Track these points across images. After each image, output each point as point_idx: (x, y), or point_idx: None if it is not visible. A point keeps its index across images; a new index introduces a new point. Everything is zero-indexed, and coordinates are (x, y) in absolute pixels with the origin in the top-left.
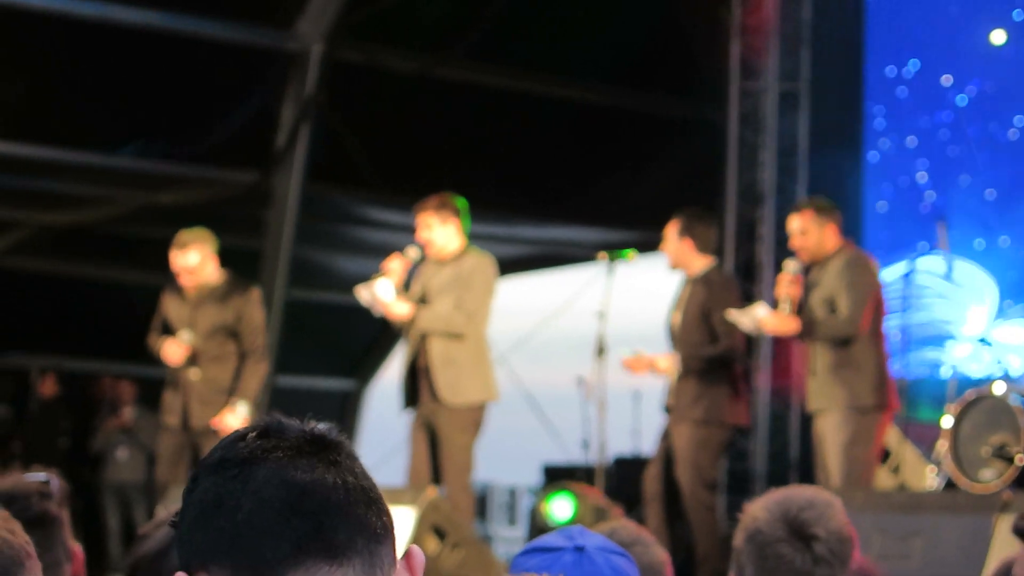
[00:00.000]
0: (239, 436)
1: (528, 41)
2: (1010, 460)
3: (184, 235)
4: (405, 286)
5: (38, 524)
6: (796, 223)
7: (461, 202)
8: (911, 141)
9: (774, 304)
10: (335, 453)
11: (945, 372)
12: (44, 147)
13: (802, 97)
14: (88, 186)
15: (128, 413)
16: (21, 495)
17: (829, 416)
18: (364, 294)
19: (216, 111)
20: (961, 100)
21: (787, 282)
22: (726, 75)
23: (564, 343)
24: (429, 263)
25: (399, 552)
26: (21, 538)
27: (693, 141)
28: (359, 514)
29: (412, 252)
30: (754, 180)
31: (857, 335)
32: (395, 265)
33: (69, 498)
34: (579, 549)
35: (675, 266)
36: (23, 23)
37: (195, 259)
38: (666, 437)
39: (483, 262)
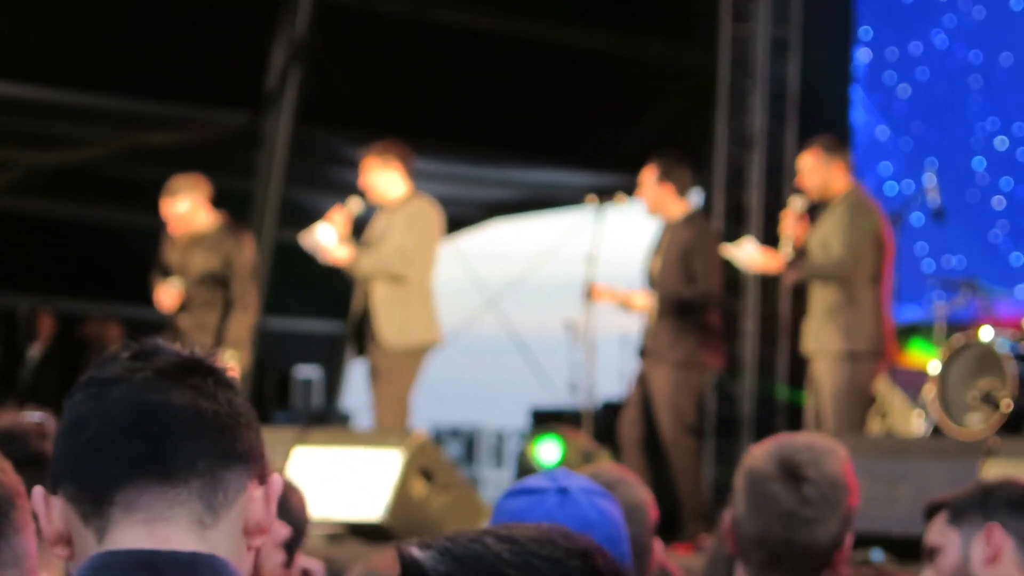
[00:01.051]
0: (113, 355)
1: None
2: (996, 406)
3: (175, 182)
4: (357, 234)
5: (35, 464)
6: (804, 160)
7: (407, 149)
8: (903, 90)
9: (766, 243)
10: (200, 378)
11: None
12: (32, 86)
13: (792, 41)
14: (78, 126)
15: None
16: (18, 434)
17: (824, 360)
18: (307, 240)
19: (206, 52)
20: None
21: (791, 220)
22: (716, 18)
23: (553, 287)
24: (381, 209)
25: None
26: (12, 477)
27: (683, 85)
28: (205, 438)
29: (354, 202)
30: (743, 125)
31: (844, 278)
32: (338, 215)
33: None
34: (562, 491)
35: (653, 211)
36: None
37: (185, 207)
38: (642, 381)
39: (425, 206)
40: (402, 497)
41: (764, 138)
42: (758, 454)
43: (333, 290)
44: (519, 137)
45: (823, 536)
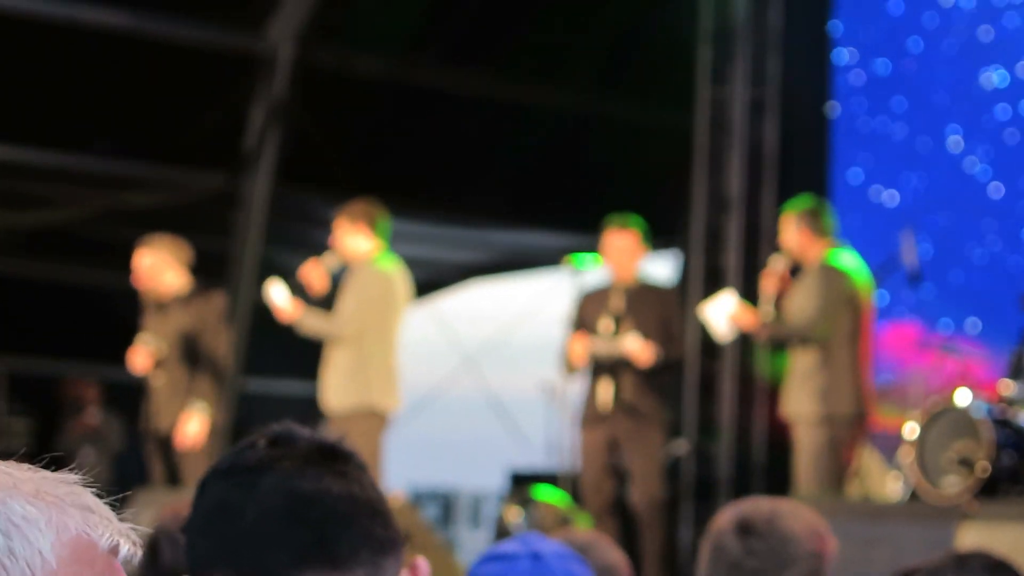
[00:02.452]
0: (250, 443)
1: (499, 47)
2: (973, 469)
3: (148, 238)
4: (331, 292)
5: None
6: (783, 222)
7: (379, 210)
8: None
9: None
10: (343, 464)
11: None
12: (10, 147)
13: (769, 103)
14: (54, 186)
15: (93, 414)
16: None
17: (802, 424)
18: (266, 297)
19: (185, 112)
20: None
21: (770, 279)
22: (694, 79)
23: (530, 348)
24: (348, 269)
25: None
26: None
27: (661, 146)
28: (363, 525)
29: (328, 258)
30: (721, 186)
31: (813, 337)
32: (313, 269)
33: None
34: (535, 556)
35: (621, 272)
36: None
37: (148, 262)
38: (614, 444)
39: (378, 269)
40: None
41: (742, 199)
42: (723, 514)
43: (312, 351)
44: (496, 198)
45: None
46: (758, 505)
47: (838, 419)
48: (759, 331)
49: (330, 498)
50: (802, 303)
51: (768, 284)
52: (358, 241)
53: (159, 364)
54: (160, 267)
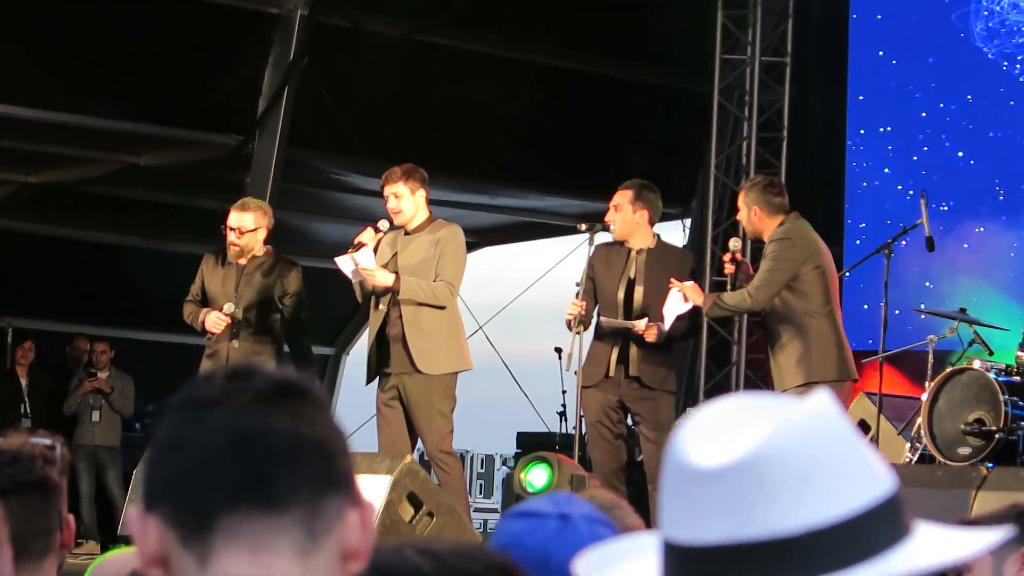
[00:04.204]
0: (208, 377)
1: (513, 8)
2: (988, 436)
3: (247, 199)
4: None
5: (38, 488)
6: (739, 202)
7: (422, 172)
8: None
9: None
10: (298, 401)
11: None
12: (24, 107)
13: (786, 71)
14: (69, 146)
15: (104, 375)
16: (26, 457)
17: (785, 395)
18: (345, 263)
19: (198, 73)
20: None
21: (727, 260)
22: (711, 46)
23: (543, 313)
24: (397, 234)
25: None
26: None
27: (676, 112)
28: (305, 464)
29: (384, 224)
30: (737, 153)
31: (756, 308)
32: (367, 236)
33: (67, 468)
34: (564, 516)
35: (624, 236)
36: None
37: (246, 221)
38: (622, 408)
39: (457, 234)
40: (389, 522)
41: (756, 166)
42: None
43: (322, 314)
44: (510, 162)
45: None
46: None
47: (822, 386)
48: (704, 304)
49: (273, 435)
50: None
51: (727, 266)
52: (419, 205)
53: (234, 331)
54: (259, 231)
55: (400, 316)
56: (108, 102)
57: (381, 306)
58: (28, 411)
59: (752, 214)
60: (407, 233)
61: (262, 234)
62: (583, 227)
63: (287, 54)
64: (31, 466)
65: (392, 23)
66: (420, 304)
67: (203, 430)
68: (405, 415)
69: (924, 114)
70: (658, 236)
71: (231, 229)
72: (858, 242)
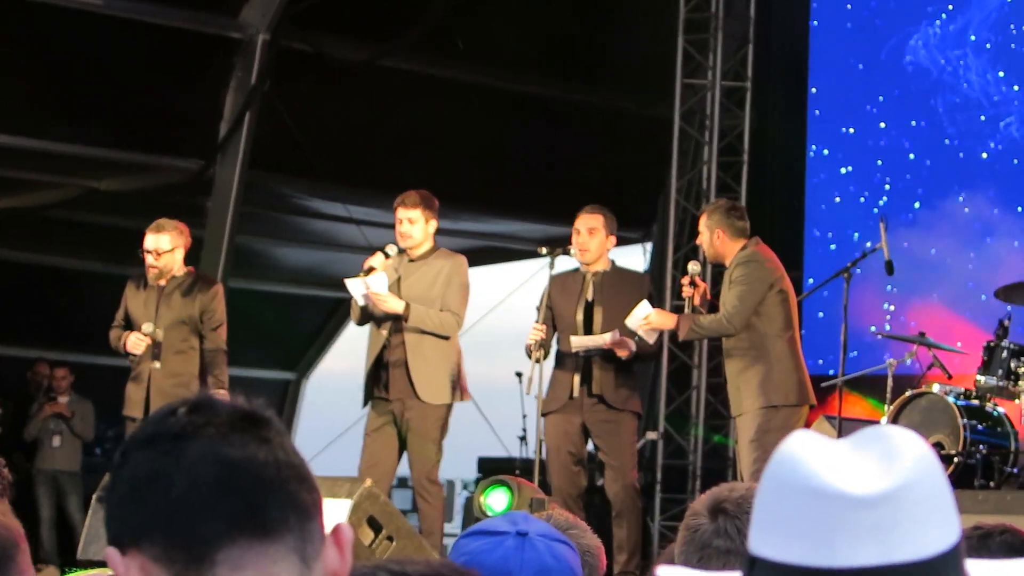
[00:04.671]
0: (170, 411)
1: (473, 32)
2: (947, 460)
3: (162, 220)
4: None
5: None
6: (699, 225)
7: (436, 202)
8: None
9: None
10: (266, 430)
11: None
12: None
13: (747, 95)
14: (29, 171)
15: (64, 400)
16: None
17: (742, 418)
18: (356, 286)
19: (160, 97)
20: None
21: (686, 283)
22: (671, 70)
23: (503, 337)
24: (400, 259)
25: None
26: (14, 521)
27: (637, 136)
28: (291, 491)
29: (392, 250)
30: (697, 178)
31: (733, 333)
32: (377, 261)
33: (8, 488)
34: (522, 534)
35: (594, 260)
36: None
37: (166, 243)
38: (585, 434)
39: (463, 265)
40: None
41: (716, 191)
42: (700, 497)
43: (282, 339)
44: (470, 186)
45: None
46: (733, 487)
47: (778, 411)
48: (680, 329)
49: (257, 464)
50: (725, 300)
51: (685, 290)
52: (428, 232)
53: (155, 352)
54: (175, 251)
55: (403, 342)
56: (69, 126)
57: (383, 331)
58: None
59: (715, 237)
60: (412, 260)
61: (179, 254)
62: (544, 251)
63: (249, 78)
64: None
65: (354, 48)
66: (424, 332)
67: (185, 464)
68: (398, 440)
69: (882, 127)
70: (612, 260)
71: (147, 252)
72: (816, 267)
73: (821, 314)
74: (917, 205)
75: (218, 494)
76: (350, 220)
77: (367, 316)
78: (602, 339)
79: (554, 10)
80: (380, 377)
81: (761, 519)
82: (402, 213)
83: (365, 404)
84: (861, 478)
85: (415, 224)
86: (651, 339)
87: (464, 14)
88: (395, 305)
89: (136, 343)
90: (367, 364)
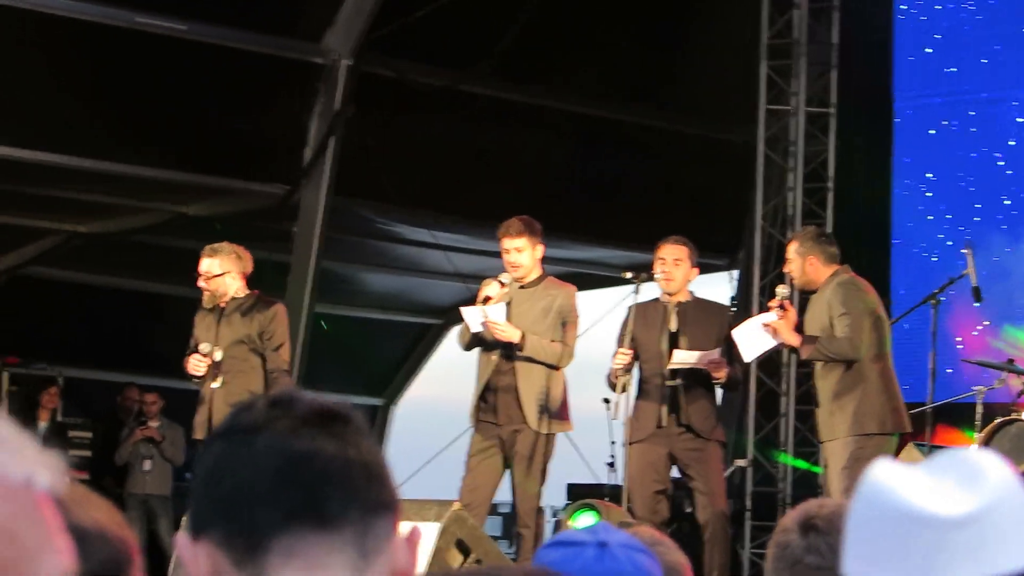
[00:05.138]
0: (249, 405)
1: (556, 57)
2: None
3: (220, 244)
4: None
5: None
6: (788, 249)
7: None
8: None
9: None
10: (340, 426)
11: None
12: (74, 156)
13: (831, 121)
14: (118, 196)
15: (155, 425)
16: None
17: (833, 444)
18: (474, 314)
19: (246, 123)
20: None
21: (775, 306)
22: (755, 96)
23: (590, 364)
24: (509, 286)
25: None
26: (129, 533)
27: (722, 162)
28: (356, 486)
29: (506, 277)
30: (782, 204)
31: (858, 357)
32: (494, 291)
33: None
34: (602, 544)
35: (676, 290)
36: (55, 30)
37: (214, 267)
38: (672, 462)
39: (573, 295)
40: (438, 569)
41: (802, 217)
42: (790, 514)
43: (369, 364)
44: (556, 213)
45: None
46: (823, 504)
47: (871, 439)
48: (802, 349)
49: (322, 458)
50: (824, 324)
51: (776, 312)
52: (537, 259)
53: (216, 372)
54: (225, 274)
55: (513, 369)
56: (156, 152)
57: (492, 356)
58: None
59: (807, 264)
60: (522, 287)
61: (233, 278)
62: (629, 275)
63: (332, 103)
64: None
65: (435, 73)
66: (534, 361)
67: (252, 455)
68: (502, 466)
69: (973, 155)
70: (692, 291)
71: (199, 275)
72: (903, 292)
73: (907, 339)
74: (1005, 227)
75: (278, 484)
76: (436, 246)
77: (477, 342)
78: (706, 355)
79: (637, 36)
80: (488, 402)
81: (855, 545)
82: (508, 243)
83: (471, 427)
84: (948, 501)
85: (523, 252)
86: (748, 357)
87: (546, 39)
88: (512, 335)
89: (196, 365)
90: (476, 388)
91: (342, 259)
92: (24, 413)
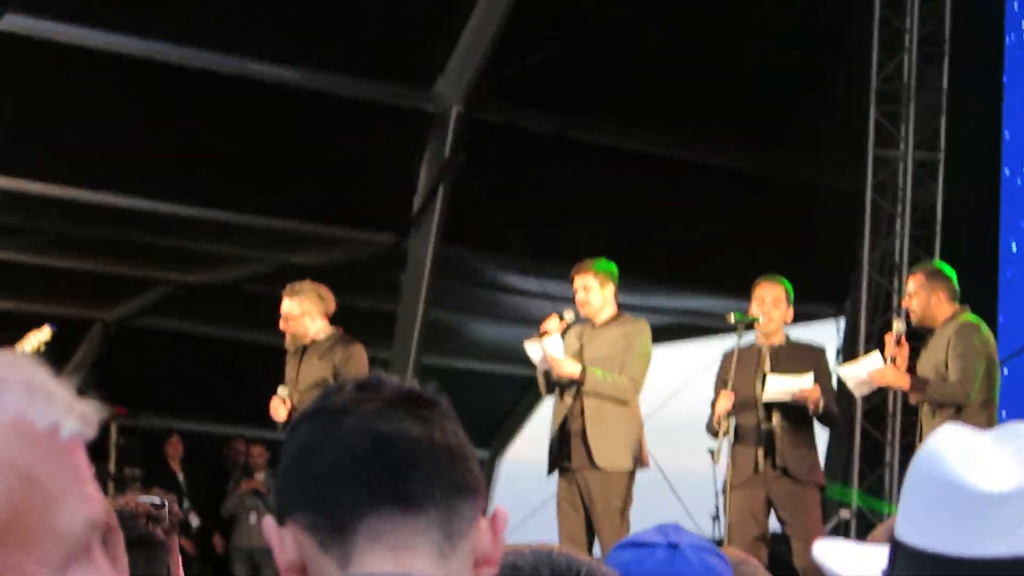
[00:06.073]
0: (338, 388)
1: (664, 104)
2: None
3: (301, 284)
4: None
5: (140, 545)
6: (908, 284)
7: (614, 267)
8: None
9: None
10: (427, 410)
11: None
12: (180, 204)
13: (939, 167)
14: (224, 245)
15: (261, 477)
16: (128, 514)
17: None
18: (534, 349)
19: (354, 171)
20: None
21: (891, 343)
22: (863, 141)
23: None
24: (584, 327)
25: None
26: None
27: (828, 208)
28: (441, 468)
29: (569, 315)
30: (890, 251)
31: (967, 403)
32: (552, 325)
33: (184, 527)
34: (673, 546)
35: (774, 332)
36: (165, 78)
37: (294, 308)
38: (769, 508)
39: (645, 329)
40: None
41: (910, 264)
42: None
43: (476, 416)
44: (665, 261)
45: None
46: None
47: None
48: (911, 394)
49: (408, 440)
50: (939, 364)
51: (889, 349)
52: (607, 298)
53: (293, 415)
54: (304, 314)
55: (582, 411)
56: (263, 200)
57: (567, 398)
58: (190, 504)
59: (933, 299)
60: (594, 327)
61: (313, 319)
62: (733, 318)
63: (442, 150)
64: (133, 523)
65: (545, 119)
66: (603, 398)
67: (338, 436)
68: (584, 511)
69: None
70: (787, 334)
71: (281, 316)
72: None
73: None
74: None
75: (364, 465)
76: (544, 296)
77: (551, 385)
78: (798, 382)
79: (742, 80)
80: (563, 445)
81: (905, 507)
82: (577, 282)
83: (550, 473)
84: (995, 475)
85: (591, 291)
86: (859, 392)
87: (658, 85)
88: (571, 369)
89: (275, 409)
90: (551, 432)
91: (450, 308)
92: (145, 465)
